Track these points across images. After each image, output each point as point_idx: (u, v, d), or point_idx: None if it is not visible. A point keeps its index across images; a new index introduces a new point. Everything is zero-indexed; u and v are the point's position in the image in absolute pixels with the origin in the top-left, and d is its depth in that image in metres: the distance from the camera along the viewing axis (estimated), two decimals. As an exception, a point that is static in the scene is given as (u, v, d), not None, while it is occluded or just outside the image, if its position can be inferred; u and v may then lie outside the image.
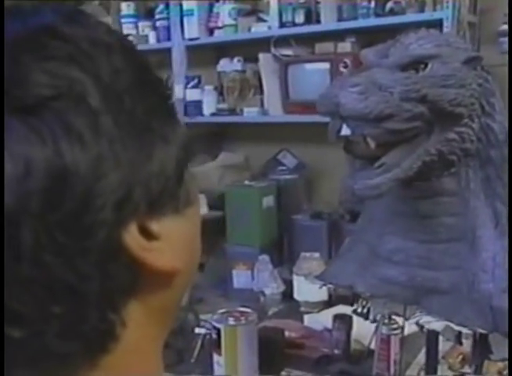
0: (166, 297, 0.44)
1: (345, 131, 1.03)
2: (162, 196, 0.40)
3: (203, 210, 2.76)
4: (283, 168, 2.88)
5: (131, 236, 0.38)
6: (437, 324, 1.15)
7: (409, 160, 1.05)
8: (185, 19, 2.98)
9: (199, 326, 1.60)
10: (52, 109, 0.34)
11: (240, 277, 2.43)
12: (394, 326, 1.38)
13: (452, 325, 1.11)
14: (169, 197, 0.41)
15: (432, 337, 1.14)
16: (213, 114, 2.98)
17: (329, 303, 2.04)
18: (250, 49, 2.86)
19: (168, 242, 0.41)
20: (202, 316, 1.72)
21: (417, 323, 1.19)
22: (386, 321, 1.37)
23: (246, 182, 2.66)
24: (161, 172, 0.40)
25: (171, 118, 0.43)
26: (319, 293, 1.95)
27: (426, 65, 1.06)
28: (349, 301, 1.59)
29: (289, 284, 2.18)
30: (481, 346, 1.14)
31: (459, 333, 1.16)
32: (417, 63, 1.06)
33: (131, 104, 0.38)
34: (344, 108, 1.00)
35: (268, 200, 2.51)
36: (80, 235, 0.36)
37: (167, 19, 3.08)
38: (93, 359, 0.40)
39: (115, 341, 0.40)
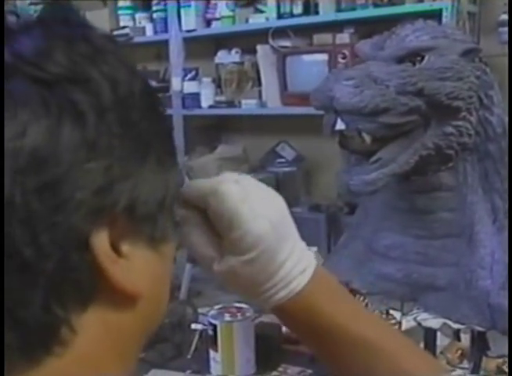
0: (126, 321, 0.43)
1: (340, 125, 1.01)
2: (141, 213, 0.41)
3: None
4: (282, 160, 2.87)
5: (101, 243, 0.38)
6: (434, 321, 1.13)
7: (405, 154, 1.03)
8: (183, 11, 2.96)
9: (196, 321, 1.59)
10: (64, 88, 0.37)
11: (239, 270, 2.42)
12: (392, 321, 1.36)
13: (449, 322, 1.10)
14: (147, 220, 0.42)
15: (430, 334, 1.13)
16: (211, 107, 2.96)
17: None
18: (247, 41, 2.84)
19: (135, 266, 0.41)
20: (200, 310, 1.71)
21: (415, 320, 1.17)
22: (383, 316, 1.35)
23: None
24: (147, 185, 0.41)
25: (170, 152, 0.45)
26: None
27: (422, 57, 1.04)
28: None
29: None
30: (479, 343, 1.13)
31: (458, 329, 1.15)
32: (414, 56, 1.04)
33: (138, 119, 0.41)
34: (338, 102, 0.98)
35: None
36: (52, 207, 0.36)
37: (165, 10, 3.06)
38: (33, 357, 0.39)
39: (61, 345, 0.39)
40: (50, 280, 0.37)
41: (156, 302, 0.47)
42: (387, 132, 1.02)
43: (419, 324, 1.17)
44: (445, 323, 1.11)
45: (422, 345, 1.35)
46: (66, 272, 0.38)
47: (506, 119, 1.12)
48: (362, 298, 1.26)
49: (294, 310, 0.57)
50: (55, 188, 0.36)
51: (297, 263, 0.56)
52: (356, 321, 0.58)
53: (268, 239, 0.53)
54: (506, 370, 1.13)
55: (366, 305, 1.28)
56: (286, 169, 2.76)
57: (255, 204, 0.54)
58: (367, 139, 1.02)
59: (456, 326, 1.11)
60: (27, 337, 0.38)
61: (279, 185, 2.59)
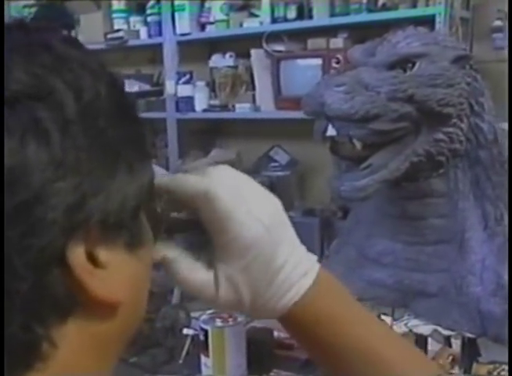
0: (107, 328, 0.43)
1: (331, 131, 1.01)
2: (116, 222, 0.40)
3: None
4: (275, 164, 2.86)
5: (77, 256, 0.38)
6: (425, 328, 1.13)
7: (396, 161, 1.03)
8: (177, 15, 2.95)
9: (187, 326, 1.58)
10: (25, 106, 0.36)
11: (232, 275, 2.41)
12: (384, 327, 1.36)
13: (440, 329, 1.10)
14: (123, 228, 0.41)
15: (421, 340, 1.13)
16: (205, 110, 2.96)
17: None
18: (242, 45, 2.84)
19: (114, 274, 0.41)
20: (193, 314, 1.70)
21: (406, 326, 1.17)
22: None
23: (238, 179, 2.64)
24: (119, 196, 0.40)
25: (142, 155, 0.44)
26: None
27: (413, 64, 1.04)
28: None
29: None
30: (470, 349, 1.13)
31: (449, 335, 1.15)
32: (405, 62, 1.05)
33: (105, 125, 0.40)
34: (329, 108, 0.98)
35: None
36: (24, 230, 0.35)
37: (159, 14, 3.05)
38: (14, 374, 0.38)
39: (42, 360, 0.38)
40: (27, 301, 0.36)
41: (135, 306, 0.46)
42: (377, 139, 1.02)
43: (410, 330, 1.17)
44: (435, 330, 1.11)
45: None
46: (42, 290, 0.37)
47: (497, 126, 1.12)
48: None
49: (302, 317, 0.55)
50: (25, 211, 0.35)
51: (296, 266, 0.54)
52: (361, 328, 0.56)
53: (261, 243, 0.52)
54: (497, 376, 1.14)
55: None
56: (280, 173, 2.75)
57: (248, 207, 0.52)
58: (358, 145, 1.02)
59: (446, 332, 1.11)
60: (7, 355, 0.37)
61: (272, 189, 2.54)
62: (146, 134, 0.45)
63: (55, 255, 0.37)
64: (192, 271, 0.53)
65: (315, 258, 0.57)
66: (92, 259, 0.39)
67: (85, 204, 0.38)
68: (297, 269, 0.54)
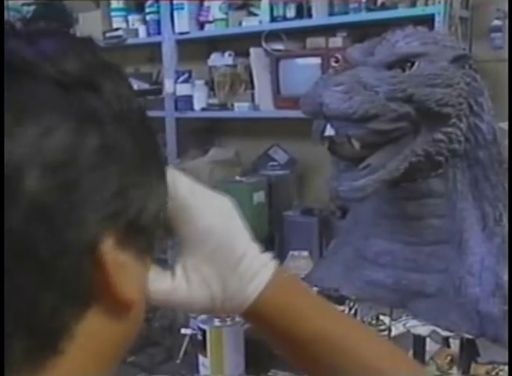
0: (118, 330, 0.43)
1: (329, 131, 1.01)
2: (144, 224, 0.42)
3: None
4: (274, 163, 2.86)
5: (109, 248, 0.39)
6: (423, 328, 1.13)
7: (394, 161, 1.03)
8: (176, 13, 2.95)
9: (185, 326, 1.58)
10: (83, 94, 0.39)
11: (230, 274, 2.40)
12: (382, 327, 1.36)
13: (438, 330, 1.10)
14: (145, 233, 0.43)
15: (419, 341, 1.12)
16: (203, 109, 2.95)
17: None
18: (241, 44, 2.83)
19: (131, 275, 0.42)
20: (191, 314, 1.70)
21: (404, 327, 1.17)
22: (373, 322, 1.35)
23: (237, 178, 2.64)
24: (153, 196, 0.43)
25: (162, 173, 0.47)
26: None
27: (412, 64, 1.04)
28: (337, 301, 1.57)
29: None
30: (469, 349, 1.13)
31: (447, 336, 1.15)
32: (404, 62, 1.04)
33: (140, 131, 0.43)
34: (327, 108, 0.97)
35: (259, 196, 2.49)
36: (71, 207, 0.36)
37: (158, 12, 3.05)
38: (36, 363, 0.37)
39: (59, 354, 0.38)
40: (63, 281, 0.37)
41: (140, 311, 0.47)
42: (376, 139, 1.01)
43: (408, 331, 1.17)
44: (434, 330, 1.11)
45: (411, 351, 1.35)
46: (75, 274, 0.38)
47: (496, 126, 1.12)
48: (352, 303, 1.26)
49: (268, 309, 0.55)
50: (75, 189, 0.37)
51: (255, 257, 0.55)
52: (325, 319, 0.56)
53: (218, 232, 0.53)
54: (496, 376, 1.13)
55: (355, 311, 1.28)
56: (279, 172, 2.75)
57: (203, 197, 0.54)
58: (356, 145, 1.02)
59: (444, 333, 1.11)
60: (35, 344, 0.37)
61: (271, 188, 2.58)
62: (162, 155, 0.48)
63: (92, 240, 0.38)
64: (159, 279, 0.53)
65: (269, 255, 0.58)
66: (117, 257, 0.40)
67: (128, 194, 0.40)
68: (256, 259, 0.55)
